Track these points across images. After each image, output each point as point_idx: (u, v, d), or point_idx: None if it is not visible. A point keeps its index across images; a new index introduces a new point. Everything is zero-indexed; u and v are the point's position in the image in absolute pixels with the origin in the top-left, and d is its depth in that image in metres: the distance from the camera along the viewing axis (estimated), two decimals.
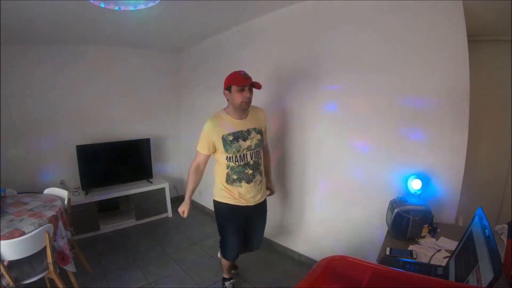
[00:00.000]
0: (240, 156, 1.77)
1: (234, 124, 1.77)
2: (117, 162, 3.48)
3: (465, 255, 1.04)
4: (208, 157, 1.83)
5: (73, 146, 3.13)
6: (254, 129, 1.83)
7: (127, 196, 3.42)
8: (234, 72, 1.74)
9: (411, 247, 1.38)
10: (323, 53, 2.14)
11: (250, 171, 1.82)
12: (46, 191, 2.34)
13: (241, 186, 1.81)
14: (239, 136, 1.76)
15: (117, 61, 3.52)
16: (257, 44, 2.68)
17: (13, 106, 2.93)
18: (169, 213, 3.70)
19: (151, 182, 3.61)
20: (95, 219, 3.16)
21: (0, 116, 2.85)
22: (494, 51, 1.92)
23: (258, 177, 1.87)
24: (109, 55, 3.44)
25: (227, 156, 1.77)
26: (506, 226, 1.25)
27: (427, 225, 1.46)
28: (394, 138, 1.83)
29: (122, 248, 2.88)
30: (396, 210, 1.47)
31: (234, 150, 1.75)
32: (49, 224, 1.75)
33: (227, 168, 1.81)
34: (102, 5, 1.49)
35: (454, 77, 1.56)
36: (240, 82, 1.68)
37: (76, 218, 2.69)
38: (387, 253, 1.33)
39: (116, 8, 1.52)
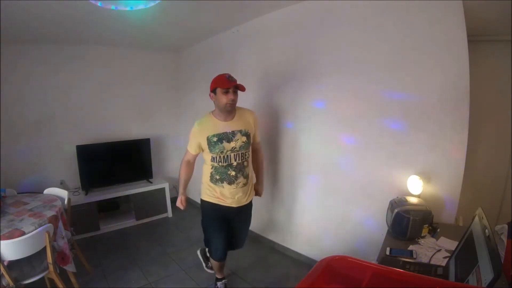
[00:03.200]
0: (223, 157, 1.82)
1: (219, 126, 1.82)
2: (117, 162, 3.48)
3: (465, 255, 1.04)
4: (195, 156, 1.93)
5: (73, 146, 3.13)
6: (240, 131, 1.85)
7: (127, 196, 3.41)
8: (219, 75, 1.79)
9: (411, 247, 1.38)
10: (323, 52, 2.14)
11: (233, 173, 1.85)
12: (46, 191, 2.34)
13: (223, 187, 1.86)
14: (223, 137, 1.81)
15: (117, 61, 3.52)
16: (256, 44, 2.67)
17: (13, 106, 2.94)
18: (169, 213, 3.70)
19: (151, 182, 3.61)
20: (95, 219, 3.16)
21: (0, 116, 2.85)
22: (494, 51, 1.92)
23: (241, 179, 1.88)
24: (109, 55, 3.44)
25: (212, 156, 1.84)
26: (506, 226, 1.25)
27: (427, 225, 1.46)
28: (394, 137, 1.83)
29: (122, 248, 2.88)
30: (396, 210, 1.47)
31: (217, 151, 1.80)
32: (49, 224, 1.75)
33: (211, 168, 1.87)
34: (100, 4, 1.48)
35: (454, 77, 1.56)
36: (225, 85, 1.73)
37: (76, 218, 2.69)
38: (387, 253, 1.33)
39: (114, 7, 1.52)
